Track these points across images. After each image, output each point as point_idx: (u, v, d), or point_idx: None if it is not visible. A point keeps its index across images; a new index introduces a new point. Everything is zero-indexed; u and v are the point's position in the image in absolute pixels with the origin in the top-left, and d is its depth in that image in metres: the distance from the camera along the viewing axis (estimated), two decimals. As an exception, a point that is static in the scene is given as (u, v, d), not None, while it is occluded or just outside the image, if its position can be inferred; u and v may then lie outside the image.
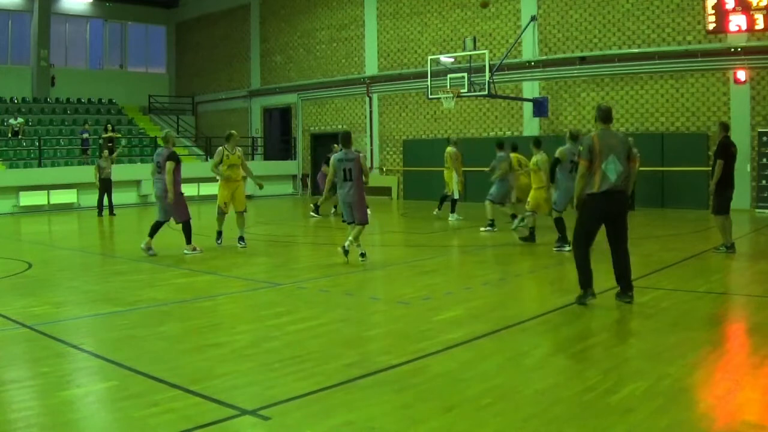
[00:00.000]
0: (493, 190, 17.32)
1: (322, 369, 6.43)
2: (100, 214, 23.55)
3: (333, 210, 21.96)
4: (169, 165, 13.52)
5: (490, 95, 24.24)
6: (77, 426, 5.29)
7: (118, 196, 25.48)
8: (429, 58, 25.61)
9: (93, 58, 39.41)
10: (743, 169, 20.69)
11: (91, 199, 25.00)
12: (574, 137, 13.52)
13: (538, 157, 14.70)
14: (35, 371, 6.64)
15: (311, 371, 6.37)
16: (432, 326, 8.15)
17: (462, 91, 24.01)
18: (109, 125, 31.49)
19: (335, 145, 19.05)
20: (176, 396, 5.72)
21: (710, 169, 14.72)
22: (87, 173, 26.10)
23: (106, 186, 24.03)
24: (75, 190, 27.50)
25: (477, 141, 26.81)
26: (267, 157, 36.46)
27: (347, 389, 5.90)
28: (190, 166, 27.78)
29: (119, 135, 31.71)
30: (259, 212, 24.70)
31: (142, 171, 28.57)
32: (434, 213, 21.23)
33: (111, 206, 23.97)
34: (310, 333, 7.81)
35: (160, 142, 18.22)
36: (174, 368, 6.45)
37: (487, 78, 23.65)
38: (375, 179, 28.85)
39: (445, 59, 25.85)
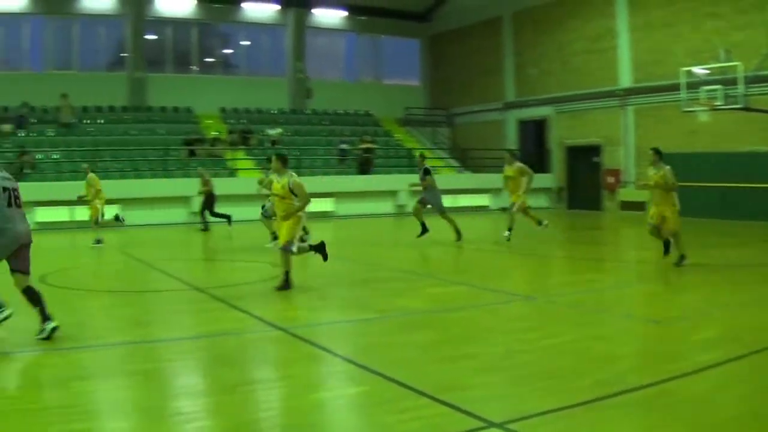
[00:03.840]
0: None
1: (571, 385, 6.23)
2: None
3: None
4: None
5: (745, 108, 22.77)
6: (323, 429, 5.44)
7: (371, 206, 26.19)
8: (682, 70, 24.48)
9: (348, 71, 41.01)
10: None
11: (347, 207, 25.92)
12: None
13: None
14: (286, 372, 6.94)
15: (560, 387, 6.20)
16: (685, 346, 7.78)
17: (717, 103, 22.73)
18: (366, 136, 32.56)
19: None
20: (425, 404, 5.73)
21: None
22: (342, 183, 27.15)
23: None
24: (332, 199, 28.71)
25: (733, 156, 25.36)
26: (523, 170, 35.97)
27: (594, 408, 5.70)
28: (448, 178, 28.26)
29: (376, 146, 32.64)
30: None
31: (399, 182, 29.41)
32: None
33: None
34: (561, 348, 7.60)
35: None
36: (424, 376, 6.45)
37: (742, 90, 22.24)
38: (630, 194, 28.43)
39: (699, 71, 24.58)
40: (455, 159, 36.75)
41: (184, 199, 26.86)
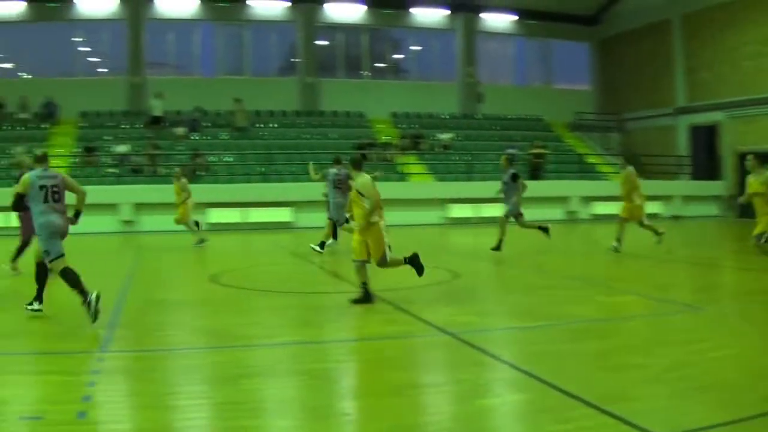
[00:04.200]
0: None
1: (738, 399, 6.02)
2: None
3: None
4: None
5: None
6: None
7: (542, 212, 26.00)
8: None
9: (518, 75, 40.89)
10: None
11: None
12: None
13: None
14: (453, 377, 7.02)
15: (727, 401, 5.99)
16: None
17: None
18: (537, 141, 32.39)
19: None
20: (588, 414, 5.69)
21: None
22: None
23: None
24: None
25: None
26: (694, 176, 35.18)
27: (761, 423, 5.51)
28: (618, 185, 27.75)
29: (547, 151, 32.41)
30: (682, 234, 24.01)
31: (570, 188, 29.17)
32: None
33: None
34: (729, 362, 7.32)
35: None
36: (588, 386, 6.40)
37: None
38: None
39: None
40: (625, 166, 35.81)
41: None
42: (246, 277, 14.68)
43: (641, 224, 17.40)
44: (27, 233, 13.70)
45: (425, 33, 38.33)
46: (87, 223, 20.85)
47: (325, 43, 37.50)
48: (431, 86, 37.76)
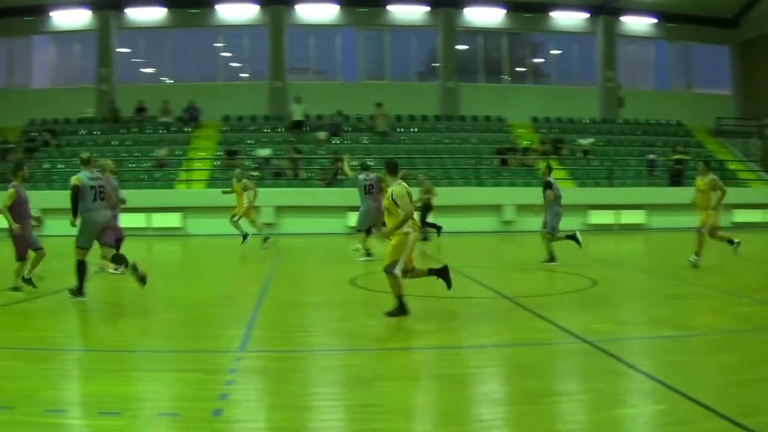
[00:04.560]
0: None
1: None
2: None
3: None
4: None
5: None
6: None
7: (683, 220, 25.43)
8: None
9: (658, 79, 39.98)
10: None
11: (659, 220, 25.52)
12: None
13: None
14: (589, 386, 7.09)
15: None
16: None
17: None
18: (678, 147, 31.73)
19: None
20: (724, 427, 5.68)
21: None
22: (654, 195, 26.82)
23: None
24: (643, 212, 28.42)
25: None
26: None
27: None
28: (757, 192, 27.28)
29: (688, 157, 31.70)
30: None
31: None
32: None
33: None
34: None
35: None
36: (725, 398, 6.38)
37: None
38: None
39: None
40: (767, 172, 34.76)
41: (496, 208, 27.58)
42: (382, 280, 14.92)
43: (712, 235, 16.22)
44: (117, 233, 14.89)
45: (565, 37, 37.90)
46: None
47: (465, 47, 37.59)
48: (571, 90, 37.31)
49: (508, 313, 10.78)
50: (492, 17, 36.68)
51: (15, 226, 12.33)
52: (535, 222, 25.57)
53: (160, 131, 33.54)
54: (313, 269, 18.05)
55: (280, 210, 27.33)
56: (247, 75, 37.51)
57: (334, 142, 32.12)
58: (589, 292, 12.85)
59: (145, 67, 37.72)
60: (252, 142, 32.43)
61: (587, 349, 8.38)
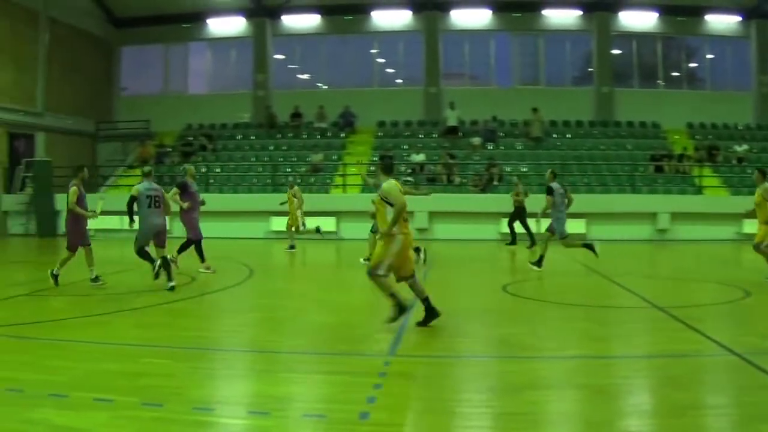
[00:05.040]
0: None
1: None
2: None
3: None
4: None
5: None
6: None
7: None
8: None
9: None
10: None
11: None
12: None
13: None
14: (738, 400, 6.97)
15: None
16: None
17: None
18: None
19: None
20: None
21: None
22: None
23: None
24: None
25: None
26: None
27: None
28: None
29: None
30: None
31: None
32: None
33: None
34: None
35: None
36: None
37: None
38: None
39: None
40: None
41: (650, 216, 27.15)
42: (538, 288, 15.07)
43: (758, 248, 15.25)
44: (195, 234, 16.74)
45: (719, 40, 36.82)
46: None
47: (619, 52, 37.11)
48: (725, 95, 36.14)
49: (660, 324, 10.65)
50: (646, 21, 36.11)
51: (88, 214, 14.40)
52: (691, 231, 25.45)
53: (316, 136, 34.63)
54: (464, 275, 18.20)
55: (433, 215, 27.65)
56: (401, 81, 38.14)
57: (488, 147, 32.25)
58: (742, 304, 12.54)
59: (300, 73, 38.94)
60: (406, 147, 32.97)
61: (737, 362, 8.22)
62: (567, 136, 33.85)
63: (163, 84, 39.62)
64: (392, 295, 9.95)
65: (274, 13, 37.08)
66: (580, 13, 35.87)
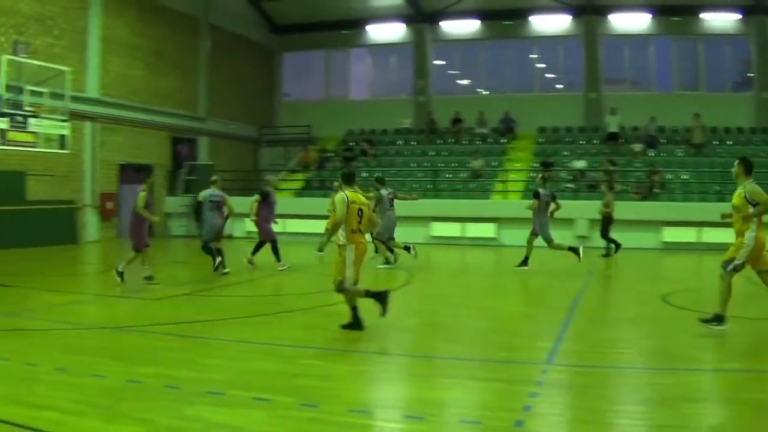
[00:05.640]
0: None
1: None
2: None
3: None
4: None
5: None
6: None
7: None
8: None
9: None
10: None
11: None
12: None
13: None
14: None
15: None
16: None
17: None
18: None
19: None
20: None
21: None
22: None
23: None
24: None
25: None
26: None
27: None
28: None
29: None
30: None
31: None
32: None
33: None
34: None
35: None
36: None
37: None
38: None
39: None
40: None
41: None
42: (698, 299, 14.08)
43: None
44: (267, 235, 18.30)
45: None
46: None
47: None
48: None
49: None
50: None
51: (154, 219, 15.72)
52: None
53: (476, 142, 35.05)
54: (625, 284, 18.32)
55: (593, 222, 27.43)
56: (561, 86, 38.09)
57: (650, 154, 31.96)
58: None
59: (460, 79, 39.58)
60: (567, 153, 32.94)
61: None
62: (728, 143, 33.04)
63: (324, 90, 40.85)
64: (354, 308, 10.46)
65: (433, 19, 37.69)
66: (739, 16, 35.18)
